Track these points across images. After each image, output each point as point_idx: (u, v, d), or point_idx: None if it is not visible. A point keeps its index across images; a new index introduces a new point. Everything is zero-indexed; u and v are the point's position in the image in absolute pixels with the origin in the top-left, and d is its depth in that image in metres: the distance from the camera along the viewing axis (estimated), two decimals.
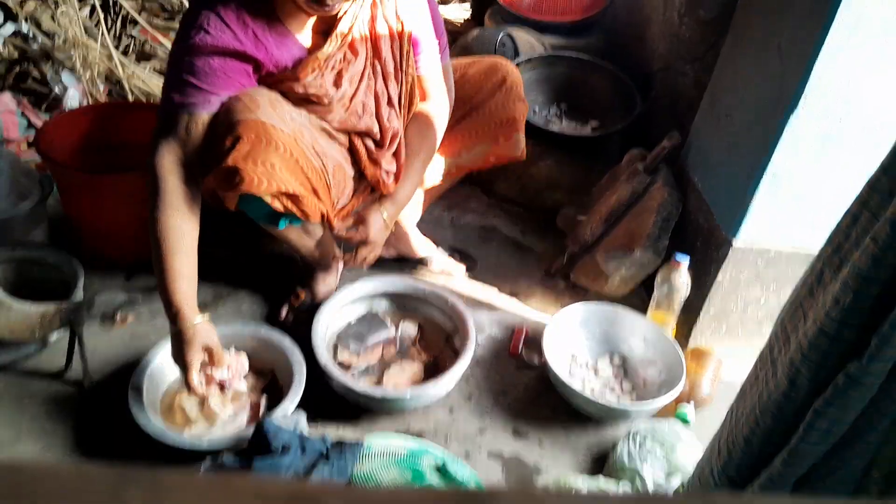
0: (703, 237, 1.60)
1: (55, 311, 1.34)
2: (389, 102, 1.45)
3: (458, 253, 1.89)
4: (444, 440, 1.42)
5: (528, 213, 2.11)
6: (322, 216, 1.36)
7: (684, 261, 1.56)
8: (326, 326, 1.53)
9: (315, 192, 1.33)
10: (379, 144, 1.45)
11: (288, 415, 1.28)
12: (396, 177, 1.49)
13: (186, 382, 1.26)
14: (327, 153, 1.36)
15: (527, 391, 1.56)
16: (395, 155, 1.49)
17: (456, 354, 1.51)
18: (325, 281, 1.65)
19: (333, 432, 1.38)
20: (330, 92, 1.34)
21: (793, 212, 1.45)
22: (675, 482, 1.27)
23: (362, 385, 1.40)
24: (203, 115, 1.24)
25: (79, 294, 1.48)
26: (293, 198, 1.29)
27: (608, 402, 1.47)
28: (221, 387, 1.29)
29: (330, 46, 1.31)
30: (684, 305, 1.62)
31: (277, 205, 1.30)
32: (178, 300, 1.25)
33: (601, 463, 1.41)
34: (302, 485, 0.18)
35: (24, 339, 1.35)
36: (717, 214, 1.55)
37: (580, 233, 1.81)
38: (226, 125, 1.22)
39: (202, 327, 1.27)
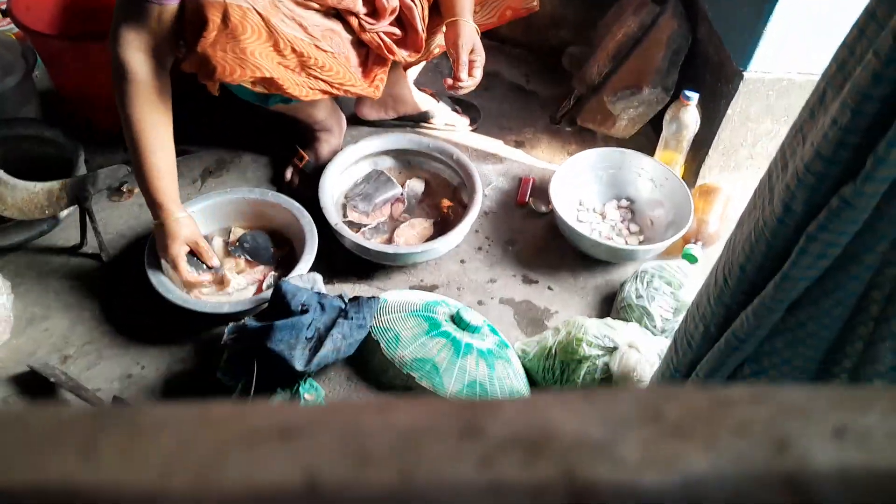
0: (712, 70, 1.54)
1: (61, 187, 1.34)
2: None
3: (460, 105, 1.84)
4: (457, 291, 1.47)
5: (531, 55, 2.03)
6: (310, 91, 1.31)
7: (693, 97, 1.51)
8: (333, 187, 1.53)
9: (304, 66, 1.27)
10: (374, 16, 1.37)
11: (304, 275, 1.30)
12: (407, 44, 1.41)
13: (178, 273, 1.32)
14: (309, 22, 1.28)
15: (535, 239, 1.58)
16: (400, 22, 1.40)
17: (464, 208, 1.51)
18: (328, 141, 1.62)
19: (350, 290, 1.42)
20: None
21: (808, 35, 1.37)
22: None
23: (374, 243, 1.42)
24: (173, 5, 1.16)
25: (81, 169, 1.47)
26: (272, 81, 1.24)
27: (615, 243, 1.49)
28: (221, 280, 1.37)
29: None
30: (693, 143, 1.60)
31: (259, 89, 1.26)
32: (160, 197, 1.26)
33: (610, 303, 1.46)
34: (294, 413, 0.17)
35: (34, 218, 1.36)
36: (728, 45, 1.47)
37: (587, 72, 1.74)
38: (192, 9, 1.15)
39: (185, 221, 1.30)
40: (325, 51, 1.32)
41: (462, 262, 1.52)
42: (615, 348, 1.21)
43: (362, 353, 1.15)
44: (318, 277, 1.31)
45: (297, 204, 1.45)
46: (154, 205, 1.27)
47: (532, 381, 1.26)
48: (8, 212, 1.31)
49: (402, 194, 1.59)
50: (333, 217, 1.42)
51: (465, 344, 1.16)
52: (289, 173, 1.62)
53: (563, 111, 1.82)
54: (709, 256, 1.51)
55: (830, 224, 0.65)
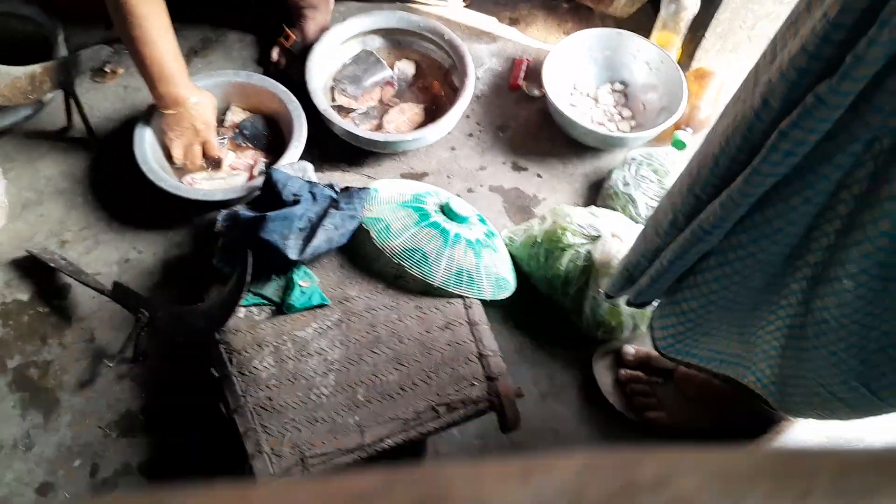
0: None
1: (43, 70, 1.31)
2: None
3: None
4: (447, 179, 1.48)
5: None
6: None
7: None
8: (321, 69, 1.49)
9: None
10: None
11: (294, 162, 1.31)
12: None
13: (181, 159, 1.35)
14: None
15: (527, 125, 1.57)
16: None
17: (455, 92, 1.49)
18: (314, 19, 1.56)
19: (339, 178, 1.43)
20: None
21: None
22: None
23: (364, 130, 1.42)
24: None
25: (62, 50, 1.42)
26: None
27: (606, 131, 1.48)
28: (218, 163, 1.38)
29: None
30: (692, 24, 1.55)
31: None
32: (174, 85, 1.25)
33: (598, 190, 1.48)
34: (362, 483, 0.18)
35: (18, 103, 1.33)
36: None
37: None
38: None
39: (202, 106, 1.31)
40: None
41: (452, 148, 1.52)
42: (598, 237, 1.25)
43: (354, 242, 1.18)
44: (309, 166, 1.31)
45: (283, 88, 1.42)
46: (166, 94, 1.25)
47: (518, 268, 1.31)
48: None
49: (392, 77, 1.56)
50: (322, 102, 1.40)
51: (454, 234, 1.19)
52: (275, 53, 1.58)
53: None
54: (698, 143, 1.51)
55: (802, 121, 0.65)
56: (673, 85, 1.51)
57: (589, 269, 1.23)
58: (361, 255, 1.19)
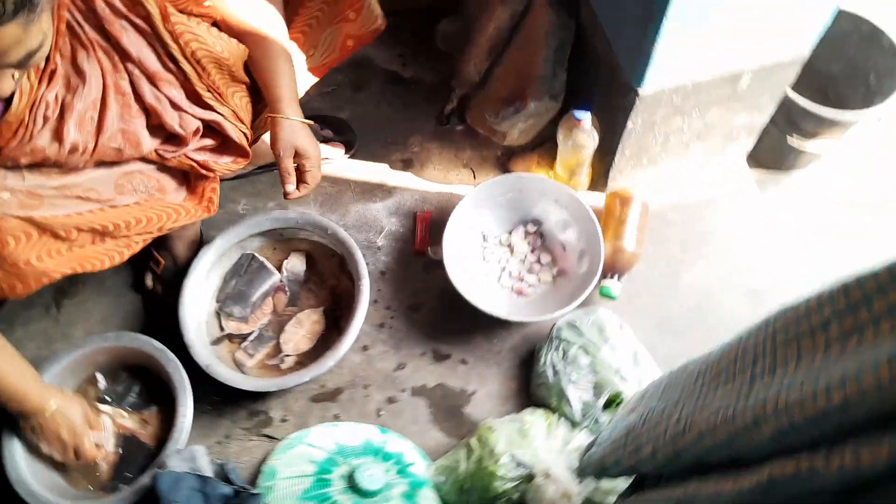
0: (605, 69, 1.27)
1: None
2: (175, 105, 1.03)
3: (331, 127, 1.56)
4: (363, 391, 1.33)
5: (401, 24, 1.69)
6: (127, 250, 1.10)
7: (585, 118, 1.26)
8: (197, 298, 1.33)
9: (105, 235, 1.05)
10: (175, 142, 1.09)
11: (182, 450, 1.17)
12: (229, 151, 1.15)
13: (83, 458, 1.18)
14: (90, 184, 1.02)
15: (441, 298, 1.41)
16: (215, 130, 1.12)
17: (353, 281, 1.32)
18: (181, 237, 1.39)
19: (237, 448, 1.28)
20: (51, 154, 0.95)
21: (712, 39, 1.10)
22: (604, 399, 1.20)
23: (255, 382, 1.26)
24: None
25: None
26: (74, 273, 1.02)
27: (523, 316, 1.30)
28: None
29: (19, 102, 0.89)
30: (599, 145, 1.37)
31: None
32: (25, 394, 1.08)
33: (529, 366, 1.33)
34: None
35: None
36: (617, 52, 1.19)
37: (464, 71, 1.45)
38: None
39: (68, 407, 1.14)
40: (125, 205, 1.07)
41: (364, 348, 1.38)
42: (531, 476, 1.11)
43: None
44: (200, 452, 1.17)
45: (157, 345, 1.27)
46: (19, 413, 1.10)
47: None
48: None
49: (281, 280, 1.39)
50: (203, 357, 1.25)
51: None
52: (149, 280, 1.42)
53: (448, 110, 1.55)
54: (628, 289, 1.36)
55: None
56: (587, 222, 1.34)
57: None
58: None
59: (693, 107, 1.25)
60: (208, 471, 1.15)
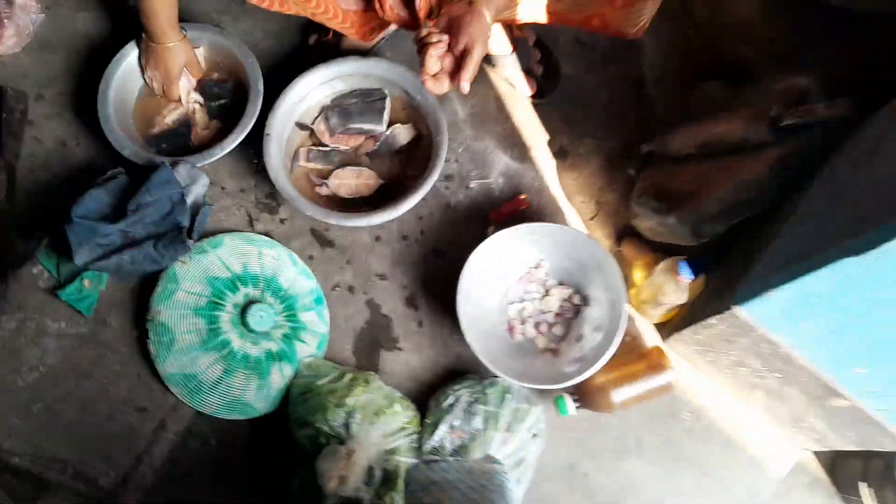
0: (741, 261, 1.11)
1: None
2: None
3: (545, 61, 1.49)
4: (345, 263, 1.39)
5: (689, 54, 1.52)
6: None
7: (687, 276, 1.13)
8: (309, 88, 1.40)
9: None
10: None
11: (193, 167, 1.30)
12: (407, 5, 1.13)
13: (165, 93, 1.40)
14: None
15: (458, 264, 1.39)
16: None
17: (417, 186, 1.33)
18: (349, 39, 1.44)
19: (225, 208, 1.39)
20: None
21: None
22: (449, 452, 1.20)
23: (309, 207, 1.30)
24: None
25: None
26: None
27: (487, 359, 1.25)
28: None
29: None
30: (688, 305, 1.24)
31: None
32: (155, 19, 1.28)
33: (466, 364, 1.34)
34: None
35: None
36: (758, 260, 1.03)
37: (670, 138, 1.31)
38: None
39: (181, 51, 1.35)
40: None
41: (377, 238, 1.42)
42: (342, 442, 1.16)
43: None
44: (202, 182, 1.30)
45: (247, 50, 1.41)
46: (148, 29, 1.31)
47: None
48: None
49: (380, 134, 1.43)
50: (282, 182, 1.31)
51: (241, 356, 1.20)
52: (313, 38, 1.50)
53: (639, 150, 1.42)
54: (578, 424, 1.29)
55: None
56: (612, 344, 1.24)
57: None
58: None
59: (779, 368, 1.09)
60: (191, 198, 1.29)
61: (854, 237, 0.77)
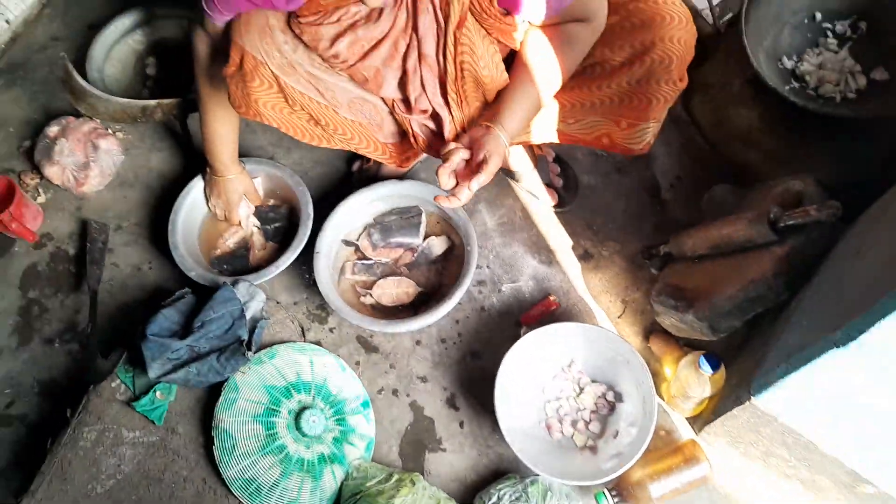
0: (759, 345, 1.18)
1: (157, 105, 1.60)
2: (423, 84, 1.20)
3: (564, 174, 1.63)
4: (389, 368, 1.50)
5: (699, 158, 1.65)
6: (321, 140, 1.33)
7: (707, 370, 1.20)
8: (356, 209, 1.57)
9: (317, 123, 1.29)
10: (407, 106, 1.26)
11: (251, 285, 1.45)
12: (437, 144, 1.29)
13: (227, 218, 1.59)
14: (334, 88, 1.25)
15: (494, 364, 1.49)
16: (438, 120, 1.26)
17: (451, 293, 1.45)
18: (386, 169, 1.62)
19: (279, 321, 1.52)
20: (322, 47, 1.16)
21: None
22: None
23: (356, 317, 1.43)
24: (219, 25, 1.22)
25: None
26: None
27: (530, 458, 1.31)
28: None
29: None
30: (717, 397, 1.30)
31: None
32: (218, 156, 1.48)
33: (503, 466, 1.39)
34: None
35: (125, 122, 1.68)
36: (771, 348, 1.10)
37: (683, 240, 1.41)
38: (228, 37, 1.20)
39: (240, 182, 1.55)
40: (345, 117, 1.30)
41: (417, 342, 1.53)
42: None
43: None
44: (259, 298, 1.45)
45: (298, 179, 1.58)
46: (211, 164, 1.51)
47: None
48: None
49: (417, 247, 1.57)
50: (325, 275, 1.47)
51: (296, 459, 1.30)
52: (356, 165, 1.68)
53: (655, 252, 1.53)
54: None
55: None
56: (645, 438, 1.30)
57: None
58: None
59: (805, 457, 1.13)
60: (249, 313, 1.43)
61: (837, 329, 0.85)
